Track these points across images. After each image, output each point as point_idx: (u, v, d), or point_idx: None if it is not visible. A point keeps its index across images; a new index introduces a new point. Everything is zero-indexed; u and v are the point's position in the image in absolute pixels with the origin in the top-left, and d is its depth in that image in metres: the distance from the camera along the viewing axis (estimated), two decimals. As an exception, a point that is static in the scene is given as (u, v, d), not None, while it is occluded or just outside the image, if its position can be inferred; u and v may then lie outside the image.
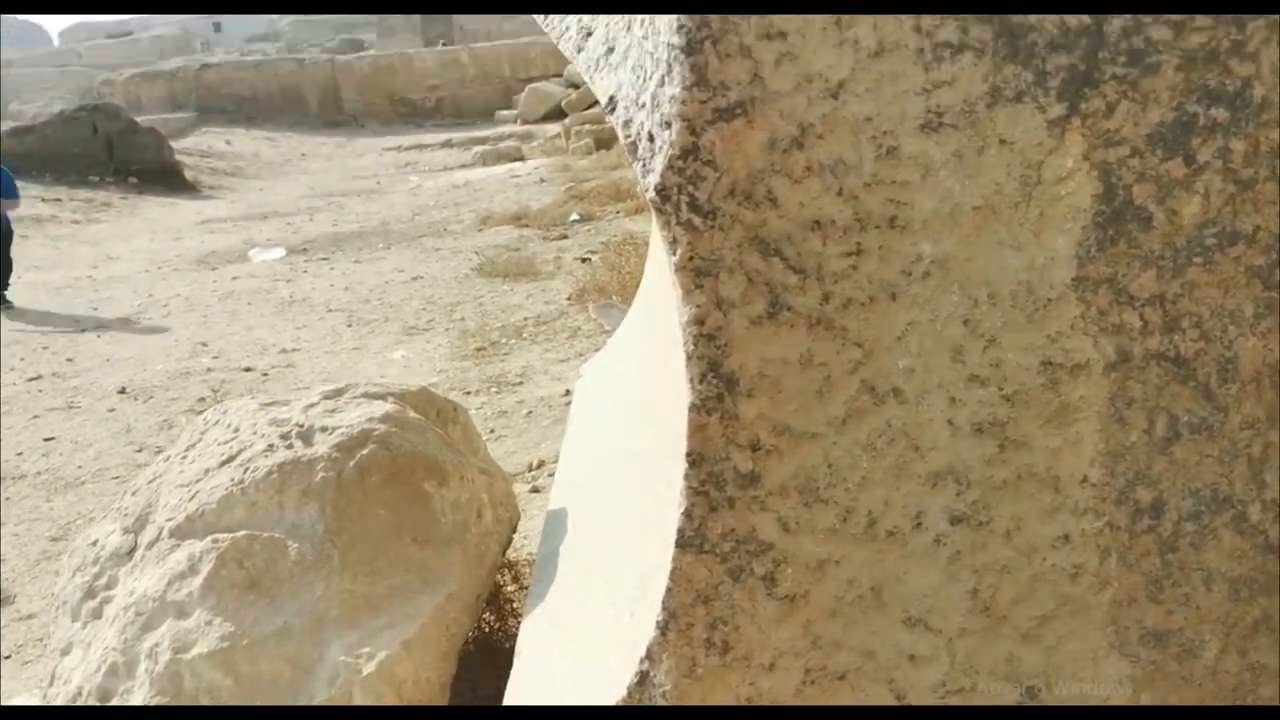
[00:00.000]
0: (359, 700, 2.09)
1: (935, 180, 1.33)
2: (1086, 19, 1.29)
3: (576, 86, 22.29)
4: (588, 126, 18.18)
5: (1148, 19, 1.29)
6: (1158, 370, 1.38)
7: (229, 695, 2.10)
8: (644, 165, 1.39)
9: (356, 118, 27.07)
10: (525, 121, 22.96)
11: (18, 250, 10.77)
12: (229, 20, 56.46)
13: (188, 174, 18.43)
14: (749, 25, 1.31)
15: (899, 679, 1.47)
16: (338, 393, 2.73)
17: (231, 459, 2.48)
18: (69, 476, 5.12)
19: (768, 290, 1.36)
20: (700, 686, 1.46)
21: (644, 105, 1.41)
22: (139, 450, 5.38)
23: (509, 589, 2.97)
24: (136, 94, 27.14)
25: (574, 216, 10.79)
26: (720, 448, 1.40)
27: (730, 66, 1.31)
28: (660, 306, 2.25)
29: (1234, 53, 1.29)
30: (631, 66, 1.47)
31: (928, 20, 1.29)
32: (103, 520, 2.64)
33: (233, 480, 2.40)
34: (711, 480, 1.40)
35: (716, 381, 1.38)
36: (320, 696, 2.09)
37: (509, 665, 2.00)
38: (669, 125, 1.34)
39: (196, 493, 2.41)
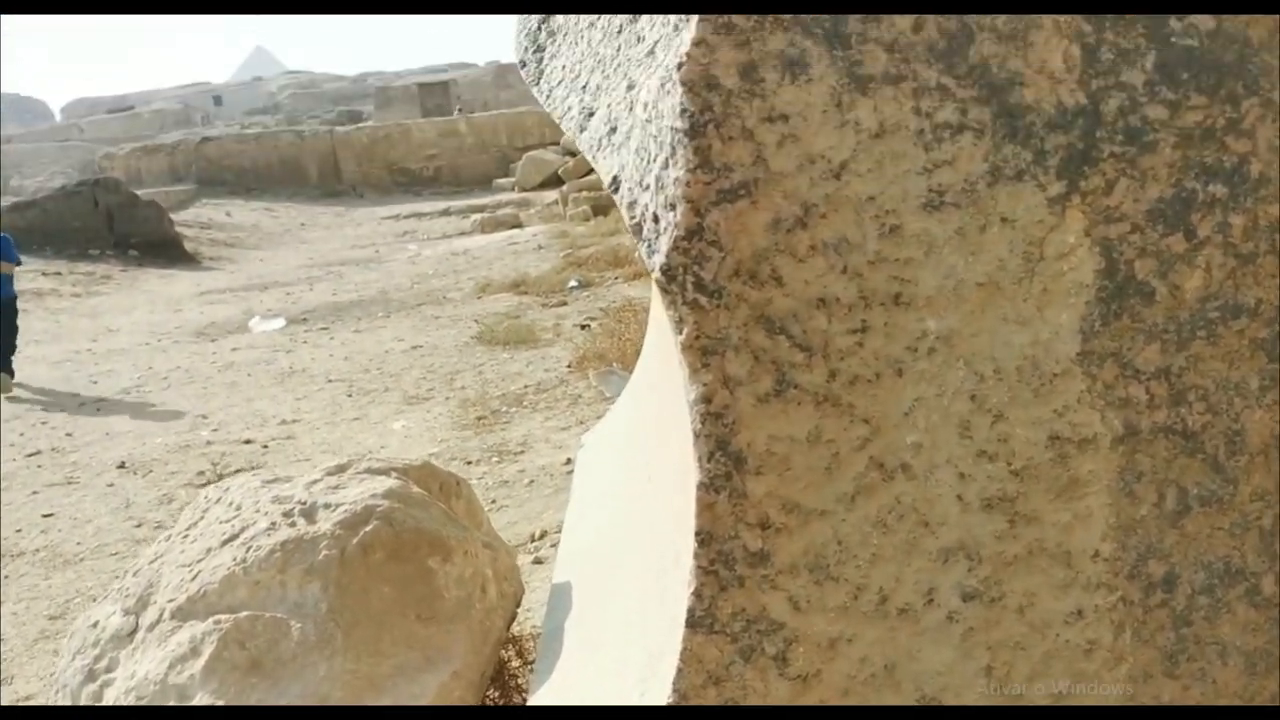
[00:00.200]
0: (363, 784, 2.06)
1: (939, 257, 1.34)
2: (1083, 99, 1.31)
3: (573, 154, 22.54)
4: (585, 193, 18.35)
5: (1143, 99, 1.31)
6: (1166, 443, 1.38)
7: (231, 781, 2.07)
8: (649, 246, 1.41)
9: (355, 187, 27.32)
10: (523, 189, 23.18)
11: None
12: (229, 94, 57.26)
13: (188, 245, 18.56)
14: (751, 109, 1.33)
15: (914, 759, 1.45)
16: (340, 469, 2.72)
17: (234, 538, 2.46)
18: (68, 553, 5.08)
19: (774, 368, 1.36)
20: (713, 770, 1.44)
21: (648, 187, 1.42)
22: (138, 525, 5.35)
23: (514, 665, 2.94)
24: (137, 168, 27.44)
25: (572, 283, 10.85)
26: (729, 526, 1.39)
27: (733, 149, 1.33)
28: (661, 375, 2.26)
29: (1230, 130, 1.31)
30: (635, 148, 1.49)
31: (927, 102, 1.32)
32: (103, 601, 2.62)
33: (235, 559, 2.38)
34: (721, 559, 1.40)
35: (724, 460, 1.38)
36: (324, 781, 2.06)
37: (516, 747, 1.97)
38: (674, 207, 1.35)
39: (198, 572, 2.40)
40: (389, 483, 2.59)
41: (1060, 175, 1.32)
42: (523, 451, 5.75)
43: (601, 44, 1.85)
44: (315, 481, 2.64)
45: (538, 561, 4.14)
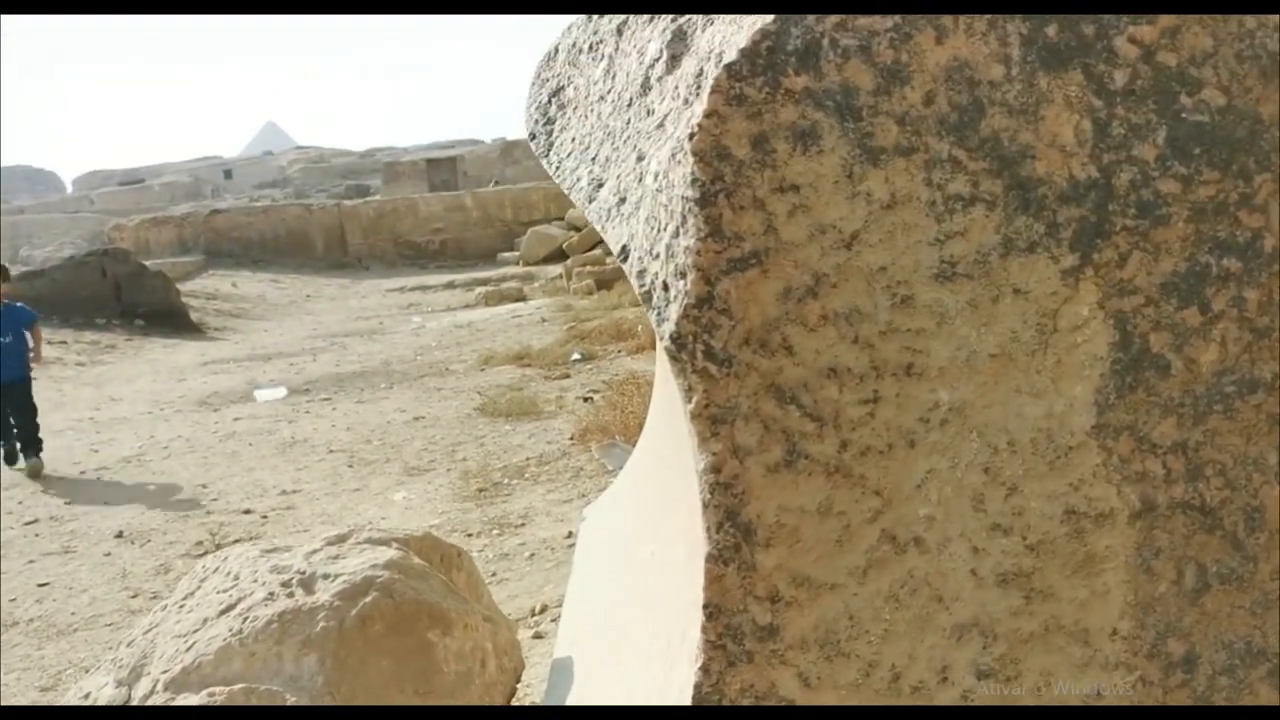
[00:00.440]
0: None
1: (951, 328, 1.33)
2: (1095, 172, 1.31)
3: (578, 229, 22.73)
4: (589, 267, 18.45)
5: (1155, 173, 1.31)
6: (1184, 519, 1.36)
7: None
8: (659, 314, 1.40)
9: (361, 260, 27.51)
10: (527, 263, 23.33)
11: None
12: (239, 168, 58.01)
13: (193, 316, 18.62)
14: (762, 179, 1.33)
15: (928, 846, 1.40)
16: (341, 539, 2.69)
17: (230, 608, 2.43)
18: (62, 623, 5.01)
19: (784, 438, 1.35)
20: None
21: (658, 256, 1.42)
22: (134, 596, 5.28)
23: (512, 743, 2.87)
24: (146, 238, 27.66)
25: (576, 356, 10.86)
26: (738, 599, 1.36)
27: (744, 218, 1.33)
28: (666, 447, 2.24)
29: (1243, 205, 1.31)
30: (645, 218, 1.49)
31: (938, 174, 1.32)
32: (95, 672, 2.57)
33: (231, 630, 2.34)
34: (729, 633, 1.37)
35: (733, 531, 1.35)
36: None
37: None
38: (684, 275, 1.35)
39: (194, 643, 2.35)
40: (389, 553, 2.56)
41: (1073, 248, 1.31)
42: (524, 524, 5.70)
43: (611, 117, 1.86)
44: (315, 551, 2.60)
45: (538, 636, 4.08)
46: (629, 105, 1.77)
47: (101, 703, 2.38)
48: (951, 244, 1.32)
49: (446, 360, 12.27)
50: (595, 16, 2.11)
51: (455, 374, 11.19)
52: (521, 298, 18.52)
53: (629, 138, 1.73)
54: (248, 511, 6.60)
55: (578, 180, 1.96)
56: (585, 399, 8.71)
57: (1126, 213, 1.31)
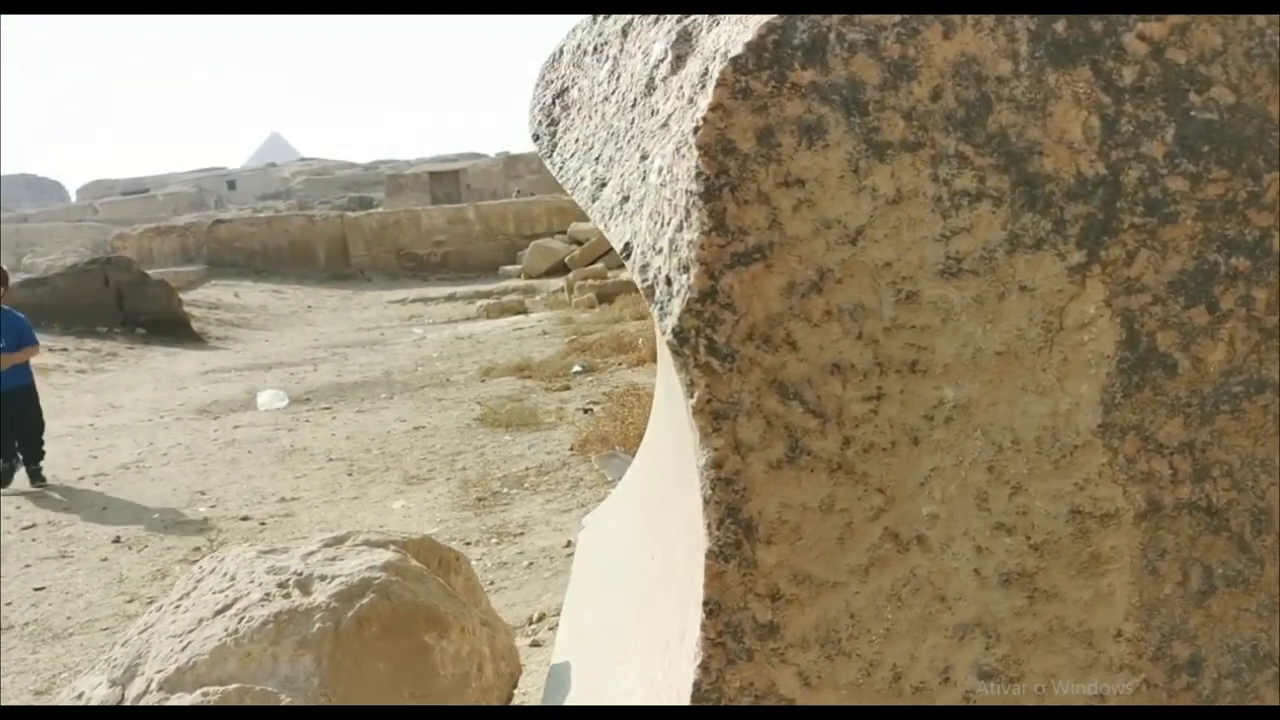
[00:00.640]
0: None
1: (956, 325, 1.32)
2: (1103, 169, 1.30)
3: (580, 243, 22.77)
4: (590, 281, 18.46)
5: (1163, 171, 1.30)
6: (1190, 520, 1.34)
7: None
8: (661, 309, 1.39)
9: (363, 271, 27.53)
10: (529, 276, 23.34)
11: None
12: (243, 179, 58.13)
13: (195, 325, 18.61)
14: (767, 173, 1.32)
15: None
16: (338, 540, 2.67)
17: (226, 608, 2.41)
18: (57, 628, 4.98)
19: (787, 434, 1.34)
20: None
21: (661, 250, 1.41)
22: (130, 601, 5.26)
23: (508, 750, 2.85)
24: (149, 248, 27.68)
25: (576, 368, 10.85)
26: (738, 596, 1.35)
27: (748, 212, 1.32)
28: (668, 453, 2.22)
29: (1252, 203, 1.30)
30: (648, 213, 1.49)
31: (945, 169, 1.31)
32: (89, 672, 2.55)
33: (226, 630, 2.32)
34: (729, 631, 1.35)
35: (734, 527, 1.34)
36: None
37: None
38: (687, 269, 1.34)
39: (188, 643, 2.33)
40: (387, 555, 2.54)
41: (1080, 245, 1.31)
42: (522, 533, 5.67)
43: (615, 117, 1.86)
44: (312, 553, 2.58)
45: (535, 644, 4.05)
46: (633, 105, 1.76)
47: (95, 702, 2.36)
48: (957, 240, 1.31)
49: (447, 371, 12.26)
50: (600, 18, 2.11)
51: (456, 385, 11.18)
52: (523, 310, 18.52)
53: (633, 137, 1.72)
54: (246, 518, 6.58)
55: (581, 180, 1.95)
56: (586, 410, 8.69)
57: (1134, 210, 1.30)
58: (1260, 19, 1.30)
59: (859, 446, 1.34)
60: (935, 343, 1.32)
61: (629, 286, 16.70)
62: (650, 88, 1.69)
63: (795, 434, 1.33)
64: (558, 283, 20.71)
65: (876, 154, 1.31)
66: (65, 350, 15.59)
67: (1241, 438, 1.34)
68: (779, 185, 1.32)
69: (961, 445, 1.34)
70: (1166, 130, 1.30)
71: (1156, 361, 1.32)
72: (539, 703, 2.42)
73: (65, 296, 17.85)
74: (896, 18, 1.31)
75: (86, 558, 6.07)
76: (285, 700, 2.17)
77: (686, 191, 1.35)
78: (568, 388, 10.05)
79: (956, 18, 1.31)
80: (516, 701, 3.08)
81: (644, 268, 1.45)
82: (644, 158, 1.61)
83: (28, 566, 5.97)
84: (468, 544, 5.52)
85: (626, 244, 1.56)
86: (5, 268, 8.66)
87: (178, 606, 2.54)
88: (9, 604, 5.34)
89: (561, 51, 2.33)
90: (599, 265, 20.54)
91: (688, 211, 1.35)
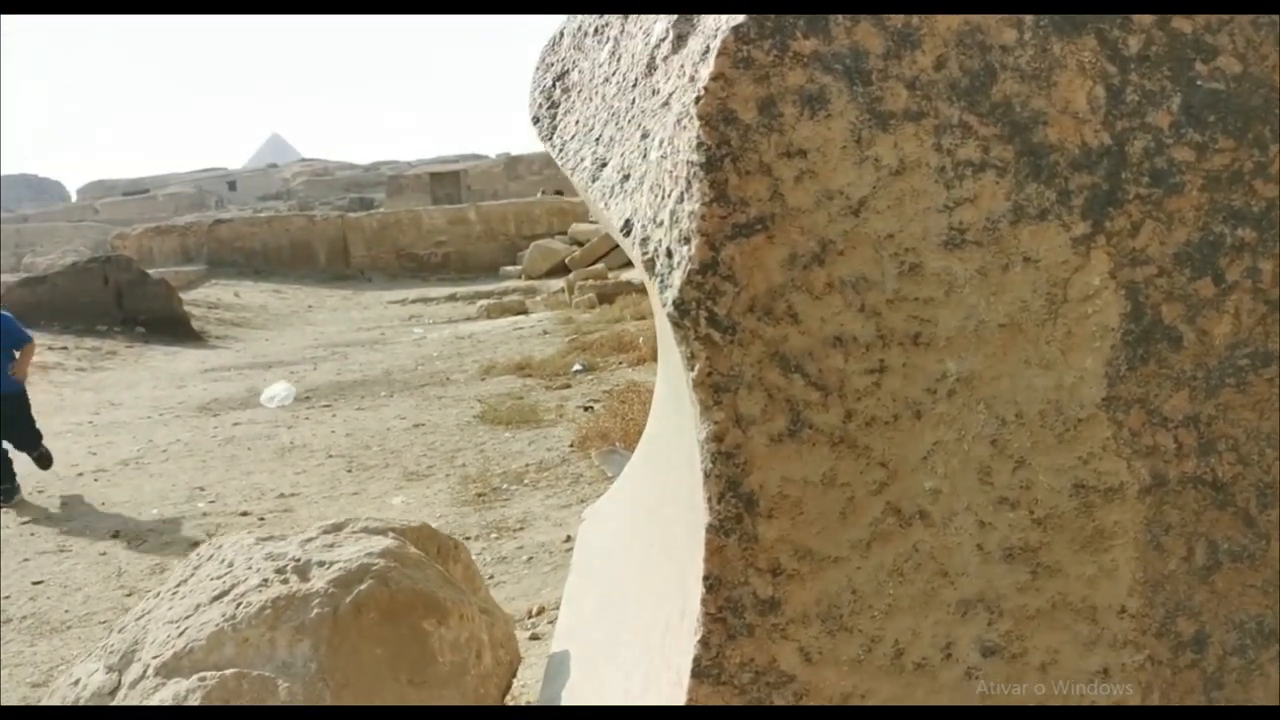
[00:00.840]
0: None
1: (959, 297, 1.31)
2: (1108, 139, 1.29)
3: (580, 244, 22.76)
4: (591, 281, 18.44)
5: (1169, 141, 1.29)
6: (1195, 495, 1.33)
7: (207, 847, 1.97)
8: (662, 281, 1.38)
9: (363, 271, 27.51)
10: (529, 277, 23.31)
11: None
12: (244, 180, 58.12)
13: (195, 324, 18.59)
14: (769, 144, 1.31)
15: (930, 828, 1.37)
16: (337, 527, 2.66)
17: (224, 594, 2.39)
18: (55, 621, 4.97)
19: (788, 407, 1.32)
20: (717, 834, 1.36)
21: (661, 223, 1.40)
22: (129, 594, 5.24)
23: (507, 739, 2.83)
24: (149, 247, 27.67)
25: (577, 367, 10.83)
26: (739, 571, 1.33)
27: (750, 183, 1.31)
28: (666, 442, 2.21)
29: (1258, 174, 1.29)
30: (649, 187, 1.47)
31: (948, 139, 1.30)
32: (86, 659, 2.53)
33: (224, 616, 2.30)
34: (729, 606, 1.34)
35: (735, 501, 1.33)
36: None
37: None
38: (688, 240, 1.33)
39: (185, 629, 2.32)
40: (386, 542, 2.52)
41: (1085, 216, 1.29)
42: (522, 528, 5.66)
43: (616, 98, 1.85)
44: (310, 539, 2.57)
45: (534, 638, 4.04)
46: (634, 85, 1.75)
47: (92, 689, 2.35)
48: (961, 211, 1.30)
49: (447, 370, 12.24)
50: (602, -1, 2.09)
51: (456, 383, 11.16)
52: (523, 310, 18.51)
53: (633, 117, 1.71)
54: (245, 513, 6.56)
55: (581, 161, 1.94)
56: (586, 408, 8.68)
57: (1139, 181, 1.29)
58: (1267, -12, 1.29)
59: (861, 420, 1.33)
60: (938, 315, 1.31)
61: (629, 287, 16.69)
62: (651, 67, 1.68)
63: (797, 407, 1.32)
64: (558, 283, 20.69)
65: (879, 124, 1.30)
66: (65, 349, 15.58)
67: (1247, 411, 1.32)
68: (781, 156, 1.31)
69: (964, 419, 1.32)
70: (1172, 100, 1.29)
71: (1161, 334, 1.31)
72: (538, 692, 2.40)
73: (65, 295, 17.83)
74: (900, -13, 1.30)
75: (85, 552, 6.05)
76: (283, 685, 2.16)
77: (688, 162, 1.33)
78: (568, 386, 10.04)
79: (960, -13, 1.30)
80: (516, 696, 3.07)
81: (644, 241, 1.43)
82: (645, 136, 1.60)
83: (26, 560, 5.96)
84: (467, 538, 5.50)
85: (627, 221, 1.55)
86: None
87: (175, 593, 2.52)
88: (7, 597, 5.33)
89: (562, 34, 2.32)
90: (599, 266, 20.53)
91: (689, 183, 1.33)
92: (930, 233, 1.31)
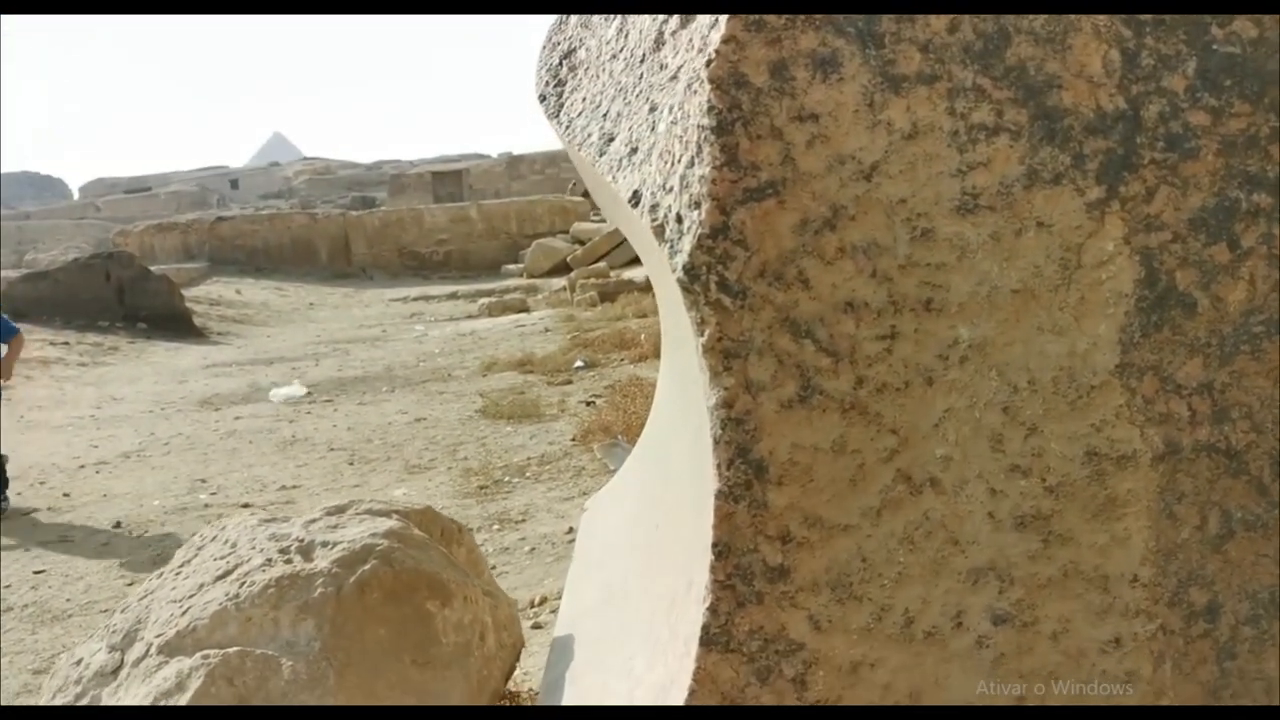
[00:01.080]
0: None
1: (972, 263, 1.30)
2: (1123, 103, 1.28)
3: (582, 243, 22.74)
4: (593, 280, 18.44)
5: (1184, 105, 1.28)
6: (1208, 463, 1.32)
7: (210, 824, 1.96)
8: (671, 246, 1.37)
9: (365, 269, 27.47)
10: (531, 275, 23.29)
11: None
12: (246, 178, 58.12)
13: (196, 320, 18.57)
14: (780, 107, 1.30)
15: (940, 799, 1.36)
16: (340, 509, 2.65)
17: (227, 574, 2.38)
18: (56, 609, 4.96)
19: (799, 373, 1.31)
20: (725, 803, 1.35)
21: (671, 189, 1.39)
22: (130, 584, 5.23)
23: (510, 723, 2.82)
24: (151, 244, 27.64)
25: (578, 363, 10.81)
26: (748, 538, 1.32)
27: (761, 147, 1.30)
28: (670, 423, 2.20)
29: (1274, 138, 1.28)
30: (659, 155, 1.46)
31: (962, 103, 1.29)
32: (89, 639, 2.53)
33: (227, 595, 2.30)
34: (739, 573, 1.33)
35: (745, 468, 1.32)
36: (308, 826, 1.95)
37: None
38: (698, 205, 1.32)
39: (189, 608, 2.31)
40: (389, 523, 2.52)
41: (1099, 180, 1.28)
42: (524, 520, 5.65)
43: (624, 74, 1.84)
44: (314, 520, 2.56)
45: (537, 626, 4.03)
46: (642, 61, 1.74)
47: (94, 667, 2.34)
48: (974, 175, 1.29)
49: (449, 366, 12.23)
50: (610, -25, 2.08)
51: (458, 379, 11.15)
52: (525, 309, 18.50)
53: (641, 92, 1.70)
54: (246, 505, 6.54)
55: (588, 137, 1.93)
56: (587, 403, 8.67)
57: (1155, 145, 1.28)
58: (1284, -49, 1.28)
59: (872, 386, 1.32)
60: (950, 281, 1.30)
61: (631, 285, 16.68)
62: (659, 42, 1.67)
63: (807, 373, 1.31)
64: (560, 281, 20.68)
65: (892, 87, 1.29)
66: (66, 344, 15.56)
67: (1261, 379, 1.31)
68: (792, 120, 1.30)
69: (976, 385, 1.31)
70: (1188, 64, 1.28)
71: (1176, 300, 1.30)
72: (542, 676, 2.39)
73: (66, 291, 17.82)
74: (913, -50, 1.29)
75: (86, 542, 6.05)
76: (286, 664, 2.15)
77: (698, 127, 1.32)
78: (570, 381, 10.03)
79: (974, -48, 1.29)
80: (518, 683, 3.06)
81: (654, 208, 1.42)
82: (653, 110, 1.59)
83: (27, 550, 5.95)
84: (469, 529, 5.49)
85: (635, 192, 1.54)
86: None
87: (178, 573, 2.51)
88: (8, 586, 5.32)
89: (569, 13, 2.31)
90: (601, 264, 20.52)
91: (699, 147, 1.32)
92: (943, 197, 1.30)
